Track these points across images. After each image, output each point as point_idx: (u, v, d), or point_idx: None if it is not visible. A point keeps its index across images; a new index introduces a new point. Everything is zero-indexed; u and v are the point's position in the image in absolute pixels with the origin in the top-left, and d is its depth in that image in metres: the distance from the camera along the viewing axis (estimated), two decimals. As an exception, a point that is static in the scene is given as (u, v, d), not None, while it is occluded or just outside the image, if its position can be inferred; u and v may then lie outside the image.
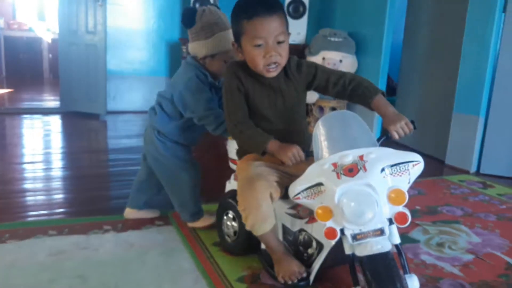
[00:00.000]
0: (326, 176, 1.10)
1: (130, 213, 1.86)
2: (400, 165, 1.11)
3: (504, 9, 2.73)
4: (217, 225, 1.63)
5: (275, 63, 1.31)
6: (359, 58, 3.82)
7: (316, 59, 3.67)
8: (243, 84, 1.38)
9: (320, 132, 1.20)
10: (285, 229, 1.42)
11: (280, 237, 1.43)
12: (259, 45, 1.29)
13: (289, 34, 1.36)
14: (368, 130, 1.21)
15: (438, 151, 3.23)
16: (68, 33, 4.16)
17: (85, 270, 1.44)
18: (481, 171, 2.94)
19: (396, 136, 1.26)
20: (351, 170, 1.08)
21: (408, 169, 1.11)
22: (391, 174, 1.11)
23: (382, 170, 1.09)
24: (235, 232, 1.54)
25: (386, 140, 1.24)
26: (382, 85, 3.74)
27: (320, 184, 1.11)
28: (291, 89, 1.41)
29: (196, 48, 1.63)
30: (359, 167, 1.09)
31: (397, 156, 1.12)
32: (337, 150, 1.15)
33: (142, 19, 4.50)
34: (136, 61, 4.55)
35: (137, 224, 1.80)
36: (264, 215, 1.29)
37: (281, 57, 1.32)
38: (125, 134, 3.75)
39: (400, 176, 1.12)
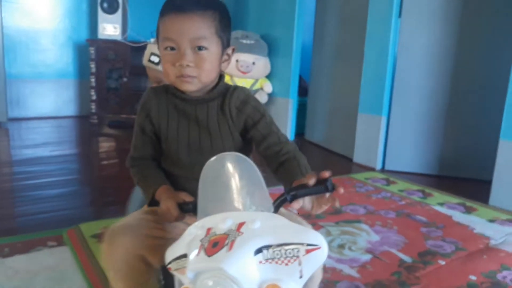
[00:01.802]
0: (191, 246, 0.76)
1: None
2: (287, 248, 0.71)
3: (400, 14, 2.90)
4: None
5: (189, 76, 0.97)
6: (271, 60, 3.87)
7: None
8: (152, 119, 1.06)
9: (206, 177, 0.84)
10: None
11: None
12: (171, 49, 0.96)
13: (225, 43, 1.00)
14: (264, 184, 0.81)
15: (347, 149, 3.37)
16: (-41, 34, 3.79)
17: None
18: (386, 168, 3.10)
19: (298, 205, 0.85)
20: (216, 245, 0.73)
21: (298, 256, 0.70)
22: (271, 260, 0.71)
23: (259, 251, 0.71)
24: None
25: (283, 202, 0.85)
26: (294, 86, 3.82)
27: (184, 256, 0.77)
28: (224, 128, 1.03)
29: None
30: (226, 242, 0.72)
31: (287, 232, 0.73)
32: (222, 207, 0.80)
33: (46, 19, 4.21)
34: (40, 64, 4.25)
35: (26, 247, 1.67)
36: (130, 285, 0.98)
37: (199, 69, 0.96)
38: (30, 143, 3.49)
39: (286, 264, 0.71)
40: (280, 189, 0.87)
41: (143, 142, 1.08)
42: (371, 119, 3.11)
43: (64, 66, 4.35)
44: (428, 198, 2.50)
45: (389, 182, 2.78)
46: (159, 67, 1.44)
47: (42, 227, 1.89)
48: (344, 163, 3.25)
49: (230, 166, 0.83)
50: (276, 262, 0.71)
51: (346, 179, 2.81)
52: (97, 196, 2.49)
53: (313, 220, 2.07)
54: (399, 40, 2.95)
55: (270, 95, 3.91)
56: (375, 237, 1.94)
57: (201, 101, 1.03)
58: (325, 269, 1.63)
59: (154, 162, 1.09)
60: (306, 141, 3.88)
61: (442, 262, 1.73)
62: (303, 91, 4.11)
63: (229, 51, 1.03)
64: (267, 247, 0.70)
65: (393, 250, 1.81)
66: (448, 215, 2.26)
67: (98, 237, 1.76)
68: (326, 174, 0.83)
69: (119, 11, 3.94)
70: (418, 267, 1.68)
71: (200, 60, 0.96)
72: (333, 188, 0.83)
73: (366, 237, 1.94)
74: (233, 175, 0.82)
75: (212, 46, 0.97)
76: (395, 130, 3.05)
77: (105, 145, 3.71)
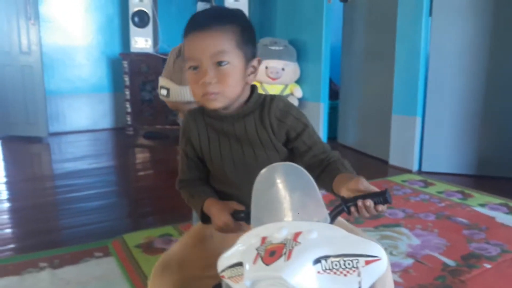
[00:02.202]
0: (246, 255, 0.75)
1: None
2: (346, 259, 0.70)
3: (430, 13, 2.85)
4: None
5: (212, 93, 0.95)
6: (301, 64, 3.88)
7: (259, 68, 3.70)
8: (193, 143, 1.07)
9: (259, 188, 0.83)
10: None
11: None
12: (194, 68, 0.96)
13: (248, 56, 0.98)
14: (318, 194, 0.79)
15: (381, 152, 3.33)
16: (1, 54, 3.97)
17: (16, 316, 1.36)
18: (423, 169, 3.05)
19: (355, 215, 0.83)
20: (273, 254, 0.72)
21: (357, 267, 0.70)
22: (329, 270, 0.70)
23: (317, 261, 0.70)
24: None
25: (340, 213, 0.83)
26: (325, 90, 3.81)
27: (240, 264, 0.77)
28: (266, 140, 1.01)
29: None
30: (283, 252, 0.71)
31: (346, 243, 0.72)
32: (276, 216, 0.79)
33: (80, 35, 4.37)
34: (76, 79, 4.41)
35: (75, 258, 1.74)
36: None
37: (222, 85, 0.94)
38: (70, 157, 3.62)
39: (344, 275, 0.71)
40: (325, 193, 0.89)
41: (188, 166, 1.09)
42: (405, 120, 3.07)
43: (99, 80, 4.49)
44: (468, 199, 2.44)
45: (427, 184, 2.73)
46: (171, 98, 1.54)
47: (87, 238, 1.96)
48: (379, 166, 3.21)
49: (282, 176, 0.81)
50: (335, 273, 0.70)
51: (383, 182, 2.78)
52: (135, 207, 2.56)
53: (352, 224, 2.06)
54: (430, 39, 2.91)
55: (300, 100, 3.92)
56: (416, 241, 1.91)
57: (236, 116, 1.01)
58: (367, 274, 1.61)
59: (201, 182, 1.09)
60: (339, 145, 3.86)
61: (488, 266, 1.69)
62: (333, 94, 4.09)
63: (255, 63, 1.00)
64: (326, 257, 0.70)
65: (435, 254, 1.79)
66: (490, 216, 2.20)
67: (142, 247, 1.82)
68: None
69: (150, 25, 4.04)
70: (462, 271, 1.64)
71: (222, 75, 0.94)
72: (391, 200, 0.81)
73: (406, 241, 1.91)
74: (286, 185, 0.80)
75: (234, 59, 0.95)
76: (431, 130, 3.00)
77: (141, 156, 3.80)
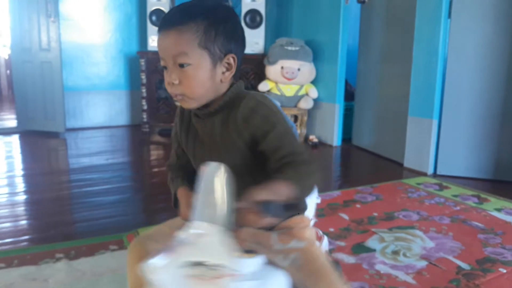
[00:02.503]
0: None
1: None
2: (212, 267, 0.72)
3: (449, 15, 2.83)
4: None
5: (176, 95, 0.93)
6: (316, 65, 3.88)
7: (275, 68, 3.71)
8: (178, 135, 1.09)
9: (196, 187, 0.82)
10: None
11: None
12: (164, 68, 0.94)
13: (216, 54, 0.92)
14: (230, 197, 0.79)
15: (396, 154, 3.30)
16: (21, 51, 4.05)
17: (33, 305, 1.39)
18: (438, 173, 3.02)
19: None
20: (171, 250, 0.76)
21: (219, 277, 0.72)
22: (198, 276, 0.73)
23: (189, 265, 0.73)
24: None
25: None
26: (340, 91, 3.81)
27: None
28: (229, 143, 0.95)
29: None
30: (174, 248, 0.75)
31: (219, 252, 0.73)
32: (199, 216, 0.79)
33: (98, 33, 4.43)
34: (94, 76, 4.47)
35: (90, 250, 1.76)
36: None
37: (183, 86, 0.91)
38: (86, 152, 3.67)
39: (211, 282, 0.72)
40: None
41: (176, 152, 1.12)
42: (421, 123, 3.04)
43: (116, 78, 4.55)
44: (484, 204, 2.42)
45: (442, 187, 2.71)
46: None
47: (103, 232, 1.99)
48: (394, 168, 3.19)
49: (209, 176, 0.79)
50: (202, 279, 0.71)
51: (398, 184, 2.76)
52: (150, 203, 2.58)
53: (365, 226, 2.06)
54: (449, 41, 2.88)
55: (316, 101, 3.91)
56: (430, 244, 1.89)
57: (206, 116, 0.98)
58: (380, 275, 1.61)
59: (184, 169, 1.09)
60: (354, 146, 3.84)
61: (503, 270, 1.67)
62: (349, 95, 4.08)
63: (229, 59, 0.94)
64: (199, 263, 0.71)
65: (450, 257, 1.77)
66: (507, 221, 2.17)
67: (156, 241, 1.83)
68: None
69: (167, 23, 4.07)
70: (477, 275, 1.63)
71: (184, 77, 0.91)
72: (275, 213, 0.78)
73: (420, 243, 1.90)
74: (208, 186, 0.79)
75: (196, 60, 0.90)
76: (447, 133, 2.97)
77: (156, 152, 3.83)
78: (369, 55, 3.69)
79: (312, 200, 1.14)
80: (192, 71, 0.91)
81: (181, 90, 0.92)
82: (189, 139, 1.03)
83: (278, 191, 0.81)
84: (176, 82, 0.91)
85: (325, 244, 1.19)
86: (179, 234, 0.76)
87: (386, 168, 3.25)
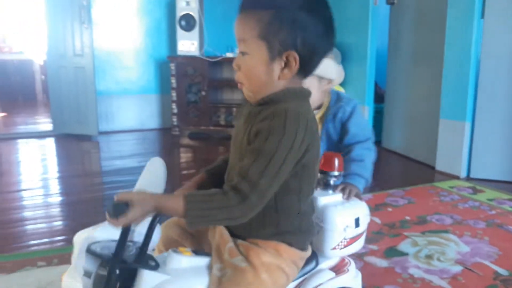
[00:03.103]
0: None
1: None
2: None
3: (482, 15, 2.77)
4: None
5: (238, 82, 0.90)
6: (345, 67, 3.83)
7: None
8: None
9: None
10: None
11: None
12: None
13: (275, 48, 0.84)
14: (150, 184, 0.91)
15: (429, 157, 3.25)
16: (57, 56, 4.18)
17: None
18: (472, 176, 2.96)
19: None
20: None
21: None
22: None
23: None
24: None
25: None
26: (370, 93, 3.77)
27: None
28: (245, 147, 0.88)
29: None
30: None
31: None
32: None
33: (129, 39, 4.53)
34: (125, 81, 4.57)
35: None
36: None
37: (242, 74, 0.88)
38: (117, 155, 3.76)
39: None
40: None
41: None
42: (454, 125, 2.98)
43: (147, 83, 4.64)
44: (521, 208, 2.35)
45: (475, 191, 2.65)
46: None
47: (136, 233, 2.03)
48: (425, 171, 3.14)
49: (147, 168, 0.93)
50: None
51: (429, 187, 2.72)
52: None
53: (397, 230, 2.04)
54: (482, 41, 2.82)
55: (344, 103, 3.88)
56: (465, 248, 1.86)
57: (247, 113, 0.93)
58: (413, 279, 1.59)
59: (220, 161, 1.08)
60: (384, 149, 3.79)
61: (543, 276, 1.62)
62: (378, 98, 4.04)
63: (288, 56, 0.84)
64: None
65: (486, 262, 1.73)
66: (545, 226, 2.11)
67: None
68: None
69: (196, 28, 4.13)
70: (515, 281, 1.59)
71: (243, 64, 0.87)
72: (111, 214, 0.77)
73: (455, 247, 1.86)
74: (144, 177, 0.92)
75: (253, 50, 0.84)
76: (481, 136, 2.90)
77: (185, 155, 3.89)
78: (399, 56, 3.64)
79: (365, 211, 1.15)
80: (249, 60, 0.86)
81: (239, 77, 0.89)
82: (233, 131, 0.99)
83: (164, 202, 0.79)
84: (236, 68, 0.88)
85: (352, 269, 1.15)
86: None
87: (417, 171, 3.20)
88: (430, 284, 1.57)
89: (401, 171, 3.31)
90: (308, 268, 1.03)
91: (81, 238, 0.83)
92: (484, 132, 2.89)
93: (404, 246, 1.87)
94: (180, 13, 4.13)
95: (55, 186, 2.92)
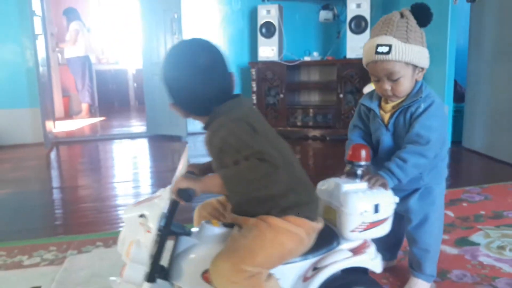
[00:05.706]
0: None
1: None
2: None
3: None
4: None
5: None
6: (424, 67, 3.84)
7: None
8: None
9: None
10: None
11: None
12: None
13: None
14: (184, 168, 1.18)
15: (512, 156, 3.16)
16: (151, 65, 4.64)
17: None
18: (559, 175, 2.84)
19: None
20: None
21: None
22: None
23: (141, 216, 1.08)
24: None
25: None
26: (449, 92, 3.73)
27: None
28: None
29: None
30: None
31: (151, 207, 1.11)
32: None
33: (215, 47, 4.87)
34: (211, 86, 4.91)
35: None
36: None
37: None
38: (204, 153, 4.07)
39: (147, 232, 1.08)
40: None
41: None
42: (538, 123, 2.89)
43: (230, 87, 4.95)
44: None
45: (562, 190, 2.56)
46: (392, 56, 1.29)
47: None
48: (509, 171, 3.06)
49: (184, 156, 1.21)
50: (142, 225, 1.07)
51: (510, 185, 2.66)
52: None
53: (471, 223, 2.07)
54: None
55: (422, 103, 3.87)
56: (542, 242, 1.85)
57: None
58: (482, 265, 1.65)
59: None
60: (465, 149, 3.72)
61: None
62: (458, 96, 3.96)
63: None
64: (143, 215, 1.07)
65: None
66: None
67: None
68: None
69: (276, 35, 4.36)
70: None
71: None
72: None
73: (531, 241, 1.87)
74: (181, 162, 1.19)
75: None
76: None
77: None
78: (480, 54, 3.57)
79: (387, 200, 1.22)
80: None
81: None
82: None
83: (207, 183, 1.06)
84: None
85: (371, 251, 1.22)
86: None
87: (501, 170, 3.11)
88: (500, 270, 1.61)
89: (483, 171, 3.24)
90: (329, 247, 1.17)
91: (129, 213, 1.09)
92: None
93: (476, 237, 1.91)
94: (261, 21, 4.39)
95: (147, 180, 3.29)
